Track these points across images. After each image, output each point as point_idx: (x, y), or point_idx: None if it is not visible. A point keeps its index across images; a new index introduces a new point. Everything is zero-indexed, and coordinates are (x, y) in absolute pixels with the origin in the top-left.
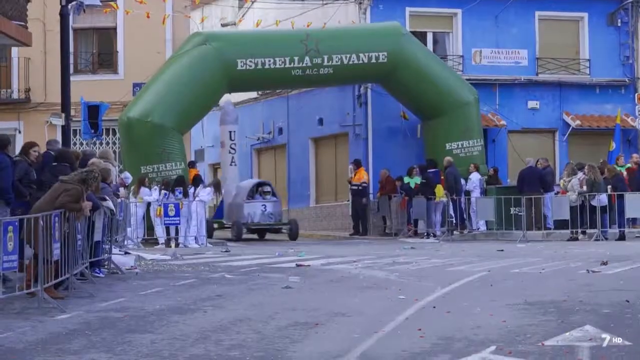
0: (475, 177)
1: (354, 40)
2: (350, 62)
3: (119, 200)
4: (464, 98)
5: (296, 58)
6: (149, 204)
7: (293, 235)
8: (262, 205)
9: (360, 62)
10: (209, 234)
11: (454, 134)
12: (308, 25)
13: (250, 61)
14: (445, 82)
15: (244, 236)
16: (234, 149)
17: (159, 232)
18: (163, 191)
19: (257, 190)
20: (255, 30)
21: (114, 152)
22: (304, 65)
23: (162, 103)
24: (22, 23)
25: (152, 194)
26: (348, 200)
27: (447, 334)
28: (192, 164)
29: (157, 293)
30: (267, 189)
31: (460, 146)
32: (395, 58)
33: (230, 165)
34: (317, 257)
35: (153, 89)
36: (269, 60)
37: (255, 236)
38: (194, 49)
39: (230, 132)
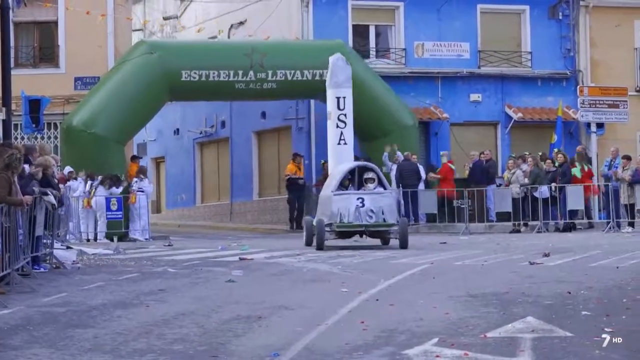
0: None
1: (298, 56)
2: (294, 78)
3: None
4: (405, 121)
5: (240, 71)
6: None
7: (402, 242)
8: (359, 198)
9: (304, 78)
10: (309, 240)
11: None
12: (251, 35)
13: (195, 72)
14: (387, 104)
15: (334, 243)
16: (343, 121)
17: (83, 227)
18: (89, 182)
19: (357, 178)
20: (201, 41)
21: (55, 146)
22: (248, 79)
23: (105, 113)
24: None
25: (79, 187)
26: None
27: (390, 326)
28: (134, 158)
29: (99, 288)
30: (371, 175)
31: None
32: None
33: (339, 144)
34: (261, 251)
35: (97, 98)
36: (214, 73)
37: (350, 241)
38: (139, 58)
39: (338, 98)
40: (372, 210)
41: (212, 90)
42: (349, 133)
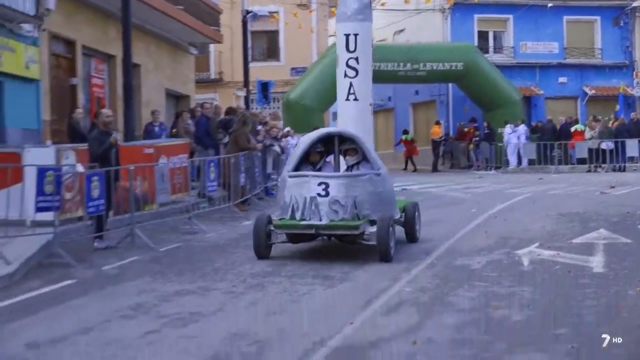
0: (521, 129)
1: (441, 54)
2: (438, 69)
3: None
4: (513, 98)
5: (401, 63)
6: None
7: (382, 252)
8: (321, 183)
9: (445, 68)
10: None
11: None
12: (407, 41)
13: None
14: (501, 86)
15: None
16: (353, 68)
17: None
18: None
19: (327, 150)
20: (376, 43)
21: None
22: (407, 69)
23: (311, 90)
24: (217, 27)
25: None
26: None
27: (505, 235)
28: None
29: None
30: (348, 147)
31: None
32: (468, 67)
33: (347, 99)
34: (415, 183)
35: (306, 81)
36: (384, 65)
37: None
38: (333, 54)
39: (347, 35)
40: (337, 202)
41: (382, 76)
42: (362, 85)
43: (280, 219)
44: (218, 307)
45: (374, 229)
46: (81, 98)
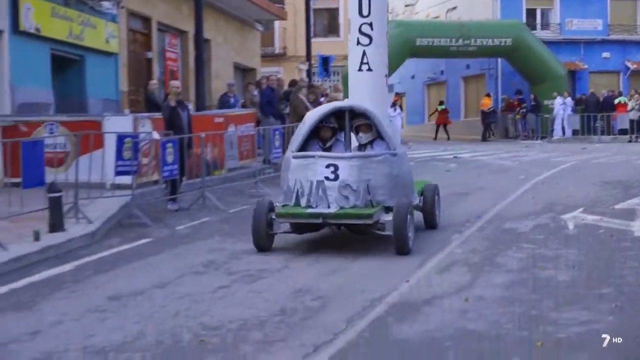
0: (568, 101)
1: (491, 30)
2: (487, 44)
3: None
4: (559, 72)
5: (454, 39)
6: None
7: (399, 242)
8: (330, 165)
9: (494, 44)
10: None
11: (551, 94)
12: (459, 18)
13: (425, 40)
14: (548, 61)
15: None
16: (367, 35)
17: None
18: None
19: (341, 127)
20: (430, 20)
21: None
22: (459, 44)
23: None
24: (281, 5)
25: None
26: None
27: (551, 200)
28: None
29: None
30: (361, 122)
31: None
32: (517, 42)
33: (360, 69)
34: (466, 152)
35: None
36: (437, 40)
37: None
38: (390, 31)
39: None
40: (348, 186)
41: (435, 51)
42: (377, 54)
43: (283, 206)
44: (283, 265)
45: (389, 217)
46: (156, 70)
